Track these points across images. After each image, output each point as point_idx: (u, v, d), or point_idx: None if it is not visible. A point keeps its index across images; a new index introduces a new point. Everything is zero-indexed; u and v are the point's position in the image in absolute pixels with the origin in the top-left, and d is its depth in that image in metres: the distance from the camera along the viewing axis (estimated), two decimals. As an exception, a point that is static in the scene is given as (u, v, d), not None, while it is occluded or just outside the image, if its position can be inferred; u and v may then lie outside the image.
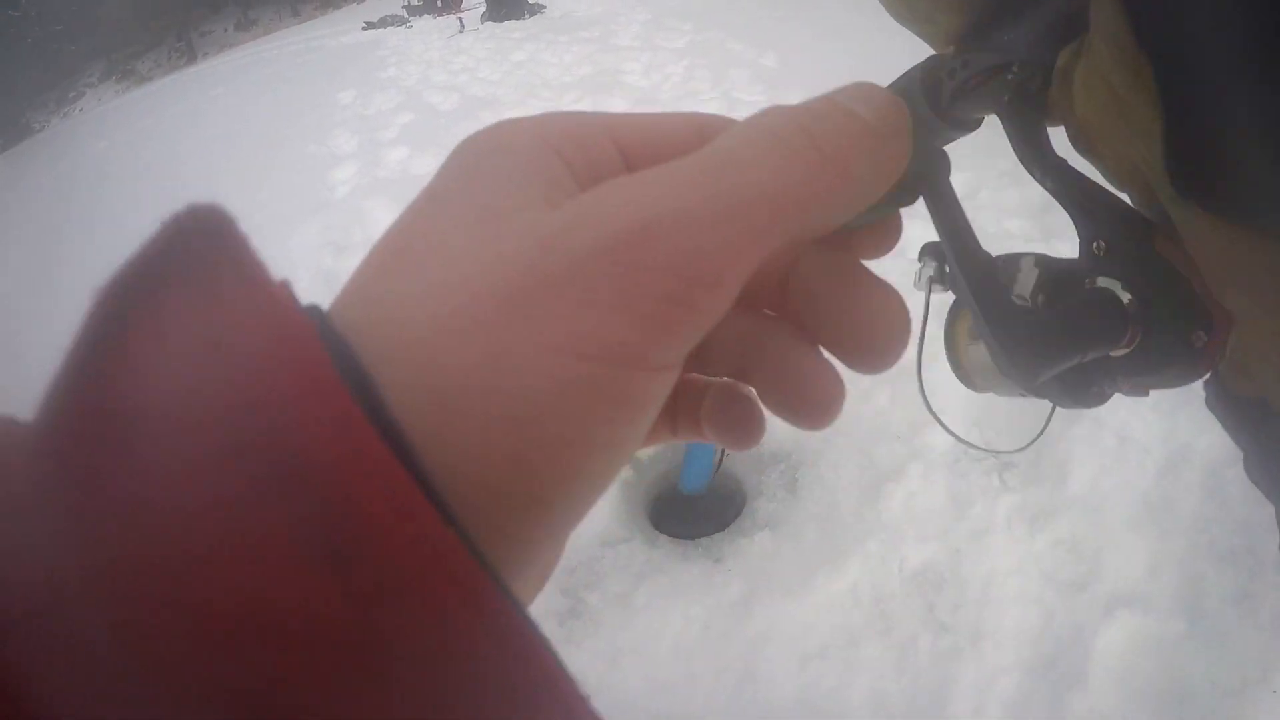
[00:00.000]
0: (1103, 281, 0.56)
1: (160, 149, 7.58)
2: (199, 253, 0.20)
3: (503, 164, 0.22)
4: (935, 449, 2.08)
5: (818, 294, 0.27)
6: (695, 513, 2.21)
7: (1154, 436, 2.02)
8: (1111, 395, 0.63)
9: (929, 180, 0.40)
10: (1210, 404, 0.65)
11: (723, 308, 0.20)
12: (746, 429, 0.29)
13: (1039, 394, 0.65)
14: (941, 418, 2.05)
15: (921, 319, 0.90)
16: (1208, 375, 0.56)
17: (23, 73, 19.10)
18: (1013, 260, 0.61)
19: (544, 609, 1.96)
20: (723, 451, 2.16)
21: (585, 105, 5.38)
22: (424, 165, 4.75)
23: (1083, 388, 0.63)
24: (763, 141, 0.21)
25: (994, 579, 1.81)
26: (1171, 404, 2.09)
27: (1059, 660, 1.67)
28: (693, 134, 0.25)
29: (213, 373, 0.17)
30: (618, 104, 5.37)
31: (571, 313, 0.18)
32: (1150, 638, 1.66)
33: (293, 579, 0.15)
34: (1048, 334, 0.56)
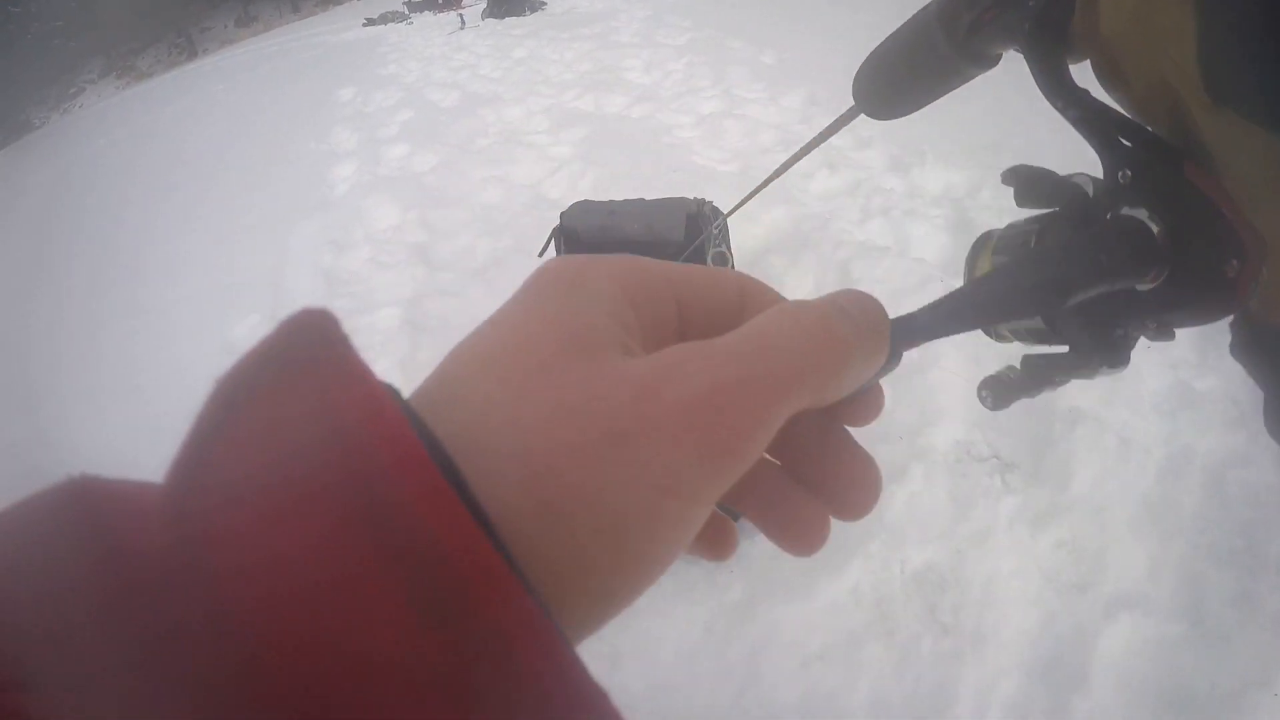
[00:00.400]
0: (1128, 212, 0.55)
1: (161, 146, 7.58)
2: (306, 348, 0.22)
3: (586, 303, 0.26)
4: (937, 450, 2.07)
5: (809, 452, 0.32)
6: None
7: (1155, 438, 2.02)
8: (1137, 340, 0.62)
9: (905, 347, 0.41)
10: (1234, 349, 0.63)
11: (758, 456, 0.25)
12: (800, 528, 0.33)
13: (1063, 335, 0.63)
14: (943, 418, 2.05)
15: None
16: (1236, 312, 0.55)
17: (23, 69, 19.08)
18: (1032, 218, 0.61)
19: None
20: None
21: (586, 102, 5.39)
22: (424, 162, 4.75)
23: (1108, 331, 0.62)
24: (795, 331, 0.26)
25: (996, 580, 1.81)
26: (1173, 405, 2.09)
27: (1060, 662, 1.66)
28: (734, 293, 0.30)
29: (318, 452, 0.20)
30: (618, 101, 5.36)
31: (663, 454, 0.22)
32: (1151, 639, 1.65)
33: (400, 630, 0.18)
34: (1071, 259, 0.54)
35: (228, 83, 10.25)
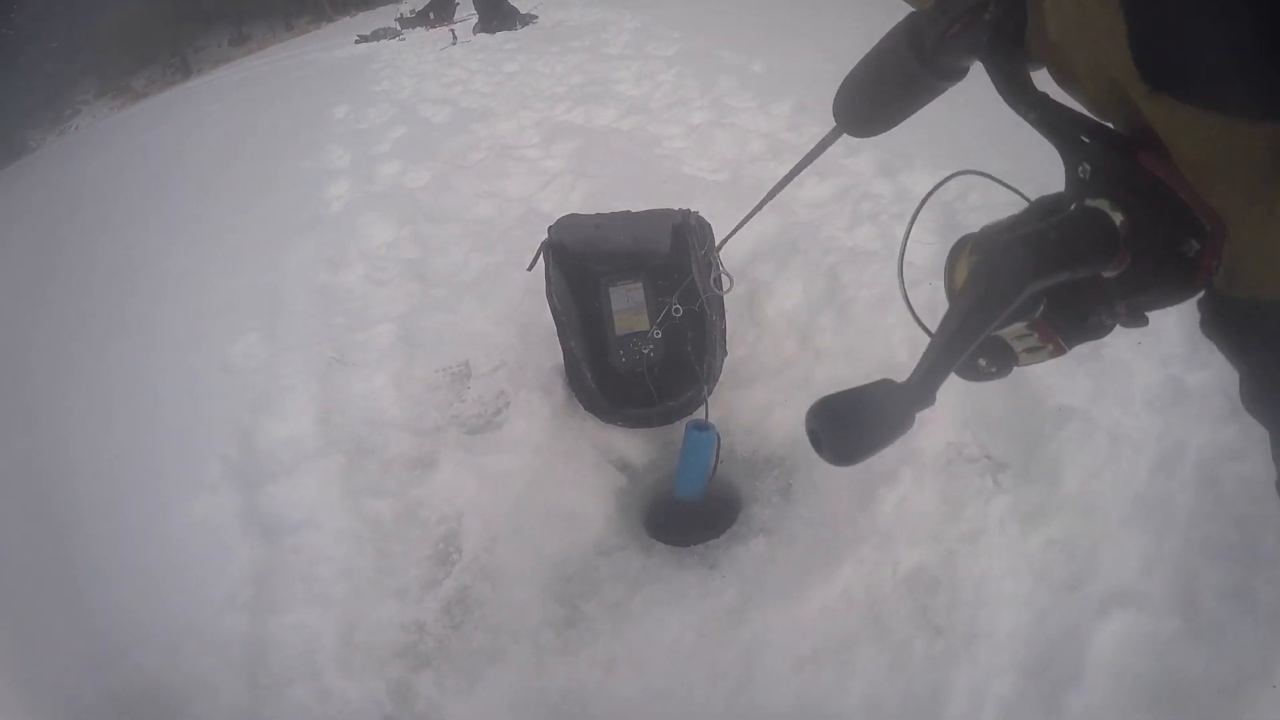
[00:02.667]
0: (1091, 203, 0.58)
1: (156, 165, 7.59)
2: None
3: None
4: (927, 452, 2.08)
5: None
6: (690, 520, 2.22)
7: (1147, 434, 2.03)
8: (1113, 327, 0.64)
9: None
10: (1205, 327, 0.66)
11: None
12: None
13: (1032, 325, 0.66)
14: (932, 419, 2.06)
15: (909, 225, 0.93)
16: (1202, 291, 0.58)
17: (18, 91, 19.14)
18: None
19: (540, 619, 1.97)
20: (717, 459, 2.17)
21: (577, 115, 5.41)
22: (417, 178, 4.76)
23: (1080, 318, 0.64)
24: None
25: (988, 580, 1.82)
26: (1164, 401, 2.10)
27: (1054, 660, 1.67)
28: None
29: None
30: (609, 113, 5.39)
31: None
32: (1146, 636, 1.66)
33: None
34: (1038, 245, 0.56)
35: (222, 102, 10.27)
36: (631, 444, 2.46)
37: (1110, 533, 1.85)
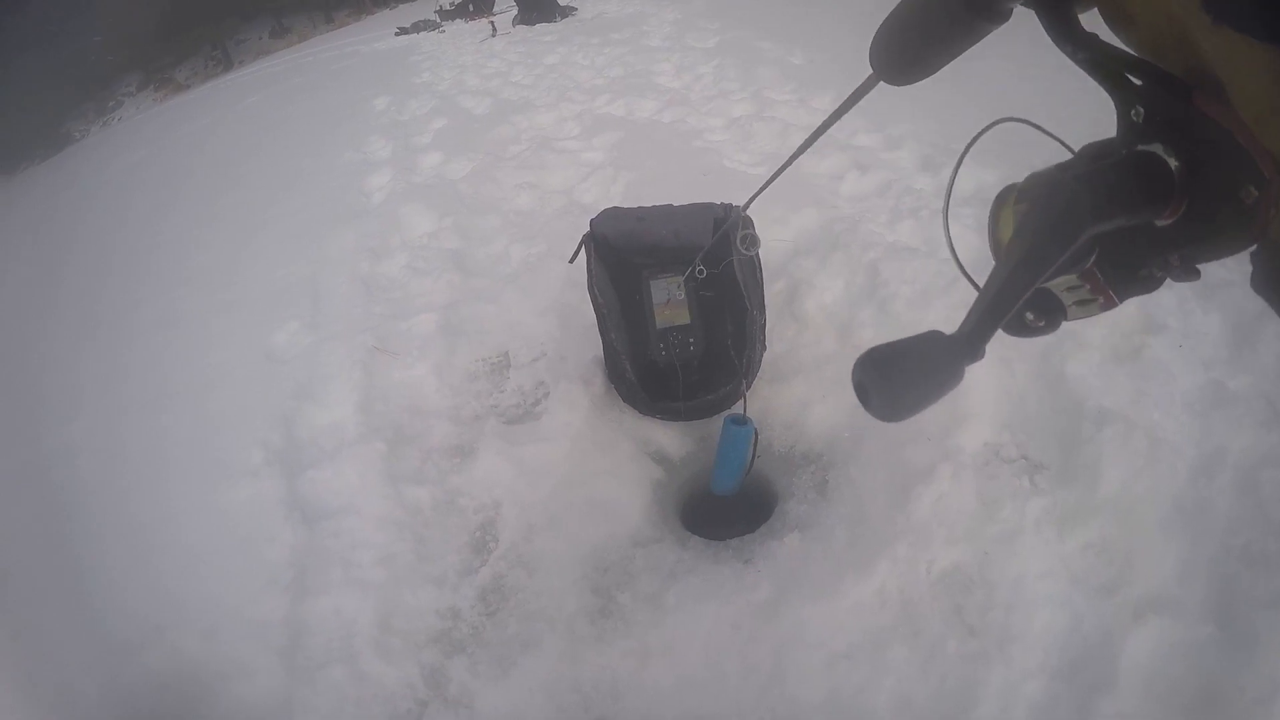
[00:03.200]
0: (1144, 148, 0.57)
1: (198, 157, 7.70)
2: None
3: None
4: (965, 450, 2.07)
5: None
6: (726, 514, 2.23)
7: (1187, 438, 2.00)
8: (1164, 280, 0.63)
9: None
10: (1255, 282, 0.64)
11: None
12: None
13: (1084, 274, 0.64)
14: (971, 419, 2.05)
15: (954, 169, 0.90)
16: (1257, 242, 0.55)
17: (63, 84, 19.44)
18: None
19: (576, 608, 1.99)
20: (754, 453, 2.17)
21: (617, 108, 5.42)
22: (458, 169, 4.80)
23: (1132, 270, 0.63)
24: None
25: (1023, 582, 1.81)
26: (1205, 405, 2.07)
27: (1087, 664, 1.66)
28: None
29: None
30: (649, 105, 5.39)
31: None
32: (1180, 642, 1.64)
33: None
34: (1097, 186, 0.56)
35: (263, 93, 10.38)
36: (669, 437, 2.47)
37: (1147, 537, 1.83)
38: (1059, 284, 0.67)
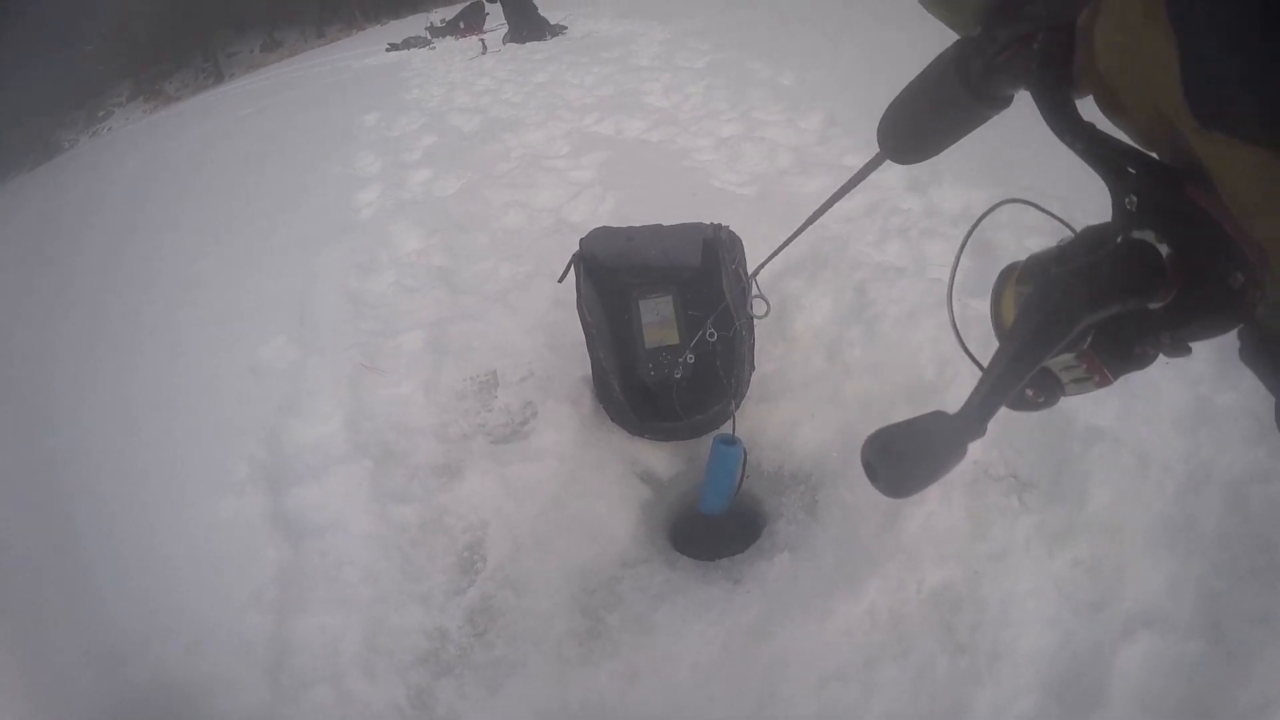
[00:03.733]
0: (1137, 234, 0.59)
1: (187, 168, 7.70)
2: None
3: None
4: (954, 470, 2.07)
5: None
6: (715, 534, 2.22)
7: (1174, 455, 2.01)
8: (1156, 357, 0.65)
9: None
10: (1244, 355, 0.66)
11: None
12: None
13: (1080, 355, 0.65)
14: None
15: (957, 253, 0.94)
16: (1244, 322, 0.58)
17: (52, 92, 19.43)
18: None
19: (564, 629, 1.98)
20: (743, 473, 2.17)
21: (606, 126, 5.43)
22: (447, 187, 4.81)
23: (1126, 349, 0.64)
24: None
25: (1012, 600, 1.81)
26: (1192, 421, 2.08)
27: (1077, 681, 1.66)
28: None
29: None
30: (638, 125, 5.41)
31: None
32: (1170, 658, 1.64)
33: None
34: (1092, 279, 0.57)
35: (254, 106, 10.39)
36: (658, 457, 2.47)
37: (1136, 554, 1.83)
38: (1057, 364, 0.69)
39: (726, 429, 2.23)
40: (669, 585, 2.08)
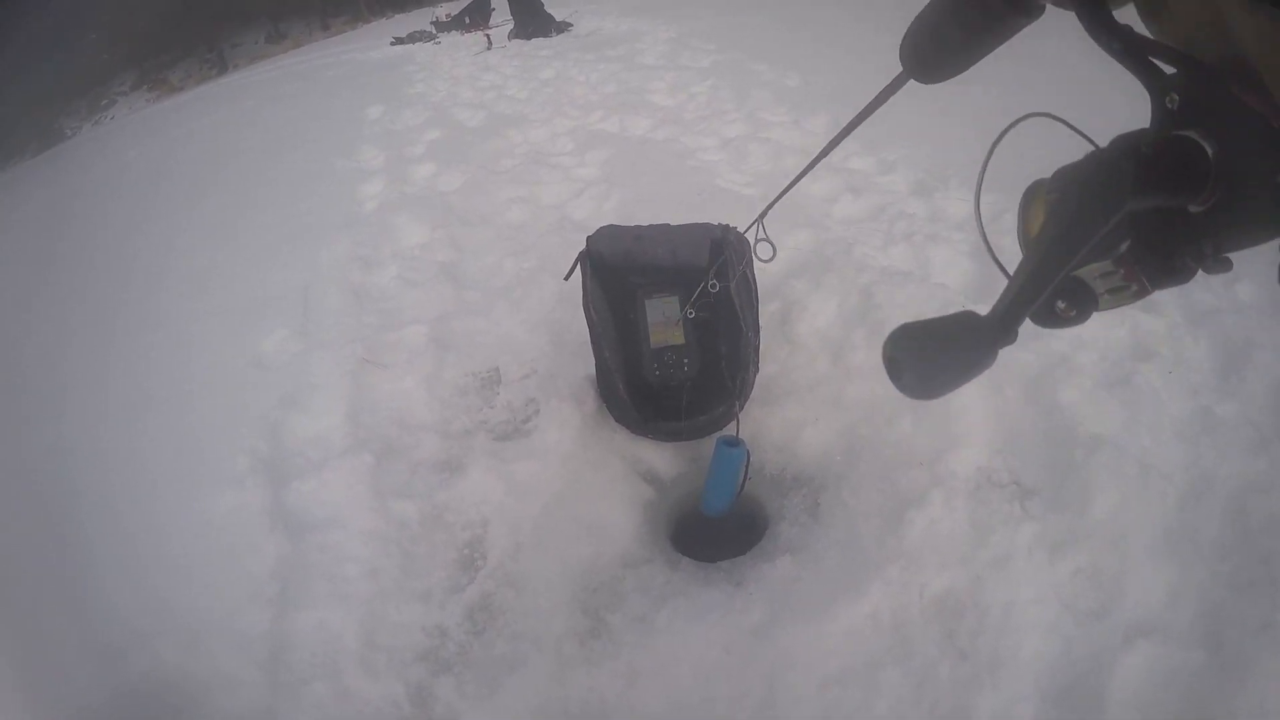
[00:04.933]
0: (1180, 133, 0.57)
1: (190, 159, 7.68)
2: None
3: None
4: (957, 476, 2.08)
5: None
6: (717, 536, 2.22)
7: (1176, 465, 2.02)
8: (1196, 271, 0.63)
9: None
10: None
11: None
12: None
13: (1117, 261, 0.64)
14: (964, 444, 2.05)
15: (984, 162, 0.89)
16: None
17: (55, 80, 19.39)
18: None
19: (564, 628, 1.98)
20: (746, 475, 2.17)
21: (611, 124, 5.43)
22: (451, 181, 4.80)
23: (1166, 258, 0.63)
24: None
25: (1014, 607, 1.81)
26: (1194, 431, 2.09)
27: (1077, 689, 1.66)
28: None
29: None
30: (643, 123, 5.41)
31: None
32: (1170, 668, 1.65)
33: None
34: (1138, 159, 0.56)
35: (258, 98, 10.36)
36: (661, 457, 2.47)
37: (1137, 563, 1.84)
38: (1091, 271, 0.67)
39: (730, 430, 2.23)
40: (671, 586, 2.08)
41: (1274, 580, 1.74)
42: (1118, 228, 0.58)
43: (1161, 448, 2.07)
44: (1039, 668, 1.71)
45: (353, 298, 3.42)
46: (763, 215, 2.08)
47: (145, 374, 3.27)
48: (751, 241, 2.19)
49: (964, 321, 0.58)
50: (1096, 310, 0.69)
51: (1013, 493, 2.04)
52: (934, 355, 0.56)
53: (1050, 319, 0.69)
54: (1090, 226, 0.56)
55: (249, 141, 7.59)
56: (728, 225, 2.35)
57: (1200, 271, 0.63)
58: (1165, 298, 2.59)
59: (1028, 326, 0.60)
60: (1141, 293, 0.66)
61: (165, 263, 4.57)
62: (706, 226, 2.36)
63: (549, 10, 10.79)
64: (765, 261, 2.16)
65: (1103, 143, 0.65)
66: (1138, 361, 2.33)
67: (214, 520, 2.31)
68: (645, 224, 2.45)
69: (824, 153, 1.62)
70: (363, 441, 2.48)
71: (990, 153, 0.86)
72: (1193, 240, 0.60)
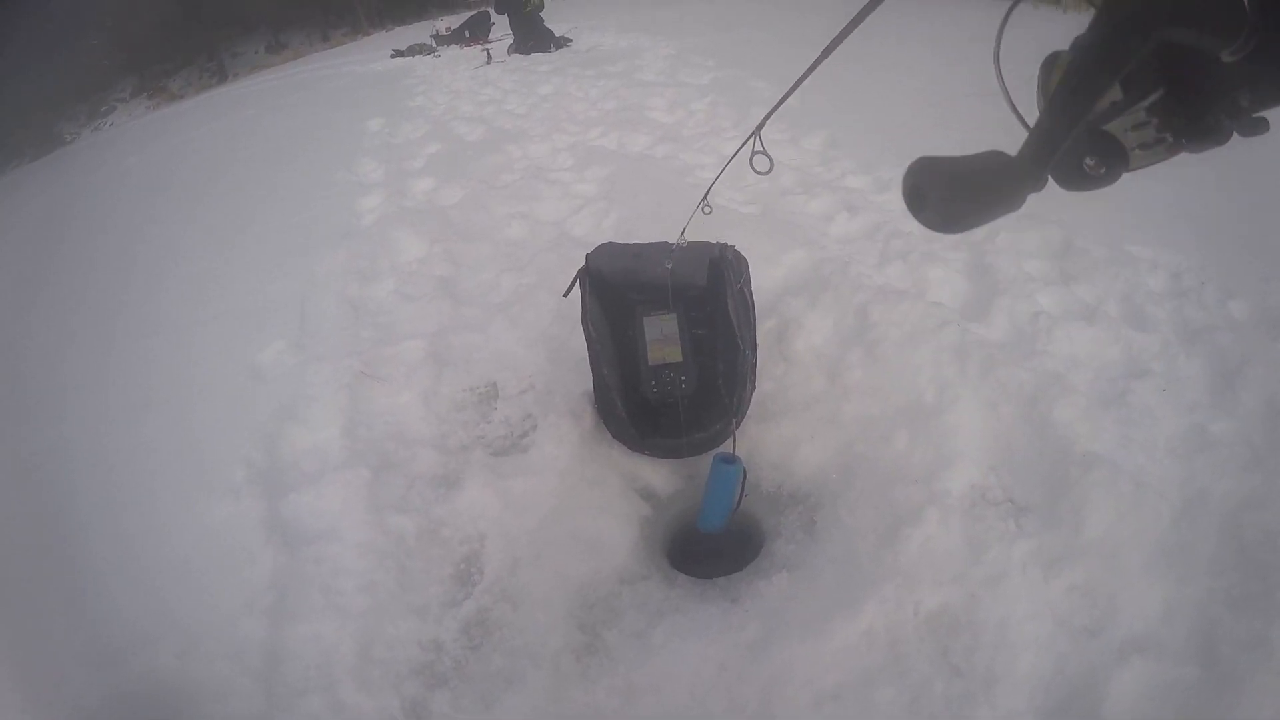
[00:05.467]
0: None
1: (189, 167, 7.70)
2: None
3: None
4: (952, 493, 2.09)
5: None
6: (713, 552, 2.22)
7: (1170, 482, 2.03)
8: (1230, 132, 0.61)
9: None
10: None
11: None
12: None
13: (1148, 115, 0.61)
14: (959, 461, 2.05)
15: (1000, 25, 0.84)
16: None
17: (56, 85, 19.40)
18: None
19: (561, 644, 1.98)
20: (742, 492, 2.17)
21: (610, 140, 5.45)
22: (449, 196, 4.81)
23: (1200, 112, 0.61)
24: None
25: (1009, 624, 1.82)
26: (1188, 448, 2.11)
27: (1072, 706, 1.67)
28: None
29: None
30: (642, 140, 5.43)
31: None
32: (1165, 683, 1.66)
33: None
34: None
35: (257, 107, 10.40)
36: (658, 474, 2.47)
37: (1131, 579, 1.84)
38: (1122, 124, 0.64)
39: (726, 447, 2.23)
40: (667, 603, 2.08)
41: (1268, 596, 1.74)
42: (1150, 71, 0.57)
43: (1156, 465, 2.08)
44: (1034, 684, 1.72)
45: (350, 311, 3.42)
46: (760, 126, 2.06)
47: (144, 377, 3.27)
48: (749, 154, 2.16)
49: (993, 158, 0.56)
50: (1126, 169, 0.67)
51: (1007, 510, 2.05)
52: (961, 187, 0.55)
53: (1078, 178, 0.67)
54: (1126, 49, 0.54)
55: (249, 150, 7.61)
56: (725, 244, 2.36)
57: (1235, 134, 0.61)
58: (1158, 314, 2.61)
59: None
60: (1175, 149, 0.64)
61: (164, 271, 4.58)
62: (705, 245, 2.37)
63: (548, 25, 10.84)
64: (763, 174, 2.14)
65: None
66: (1132, 379, 2.34)
67: (211, 527, 2.31)
68: (644, 241, 2.46)
69: (813, 67, 1.62)
70: (360, 455, 2.49)
71: (1008, 14, 0.81)
72: (1227, 92, 0.58)
